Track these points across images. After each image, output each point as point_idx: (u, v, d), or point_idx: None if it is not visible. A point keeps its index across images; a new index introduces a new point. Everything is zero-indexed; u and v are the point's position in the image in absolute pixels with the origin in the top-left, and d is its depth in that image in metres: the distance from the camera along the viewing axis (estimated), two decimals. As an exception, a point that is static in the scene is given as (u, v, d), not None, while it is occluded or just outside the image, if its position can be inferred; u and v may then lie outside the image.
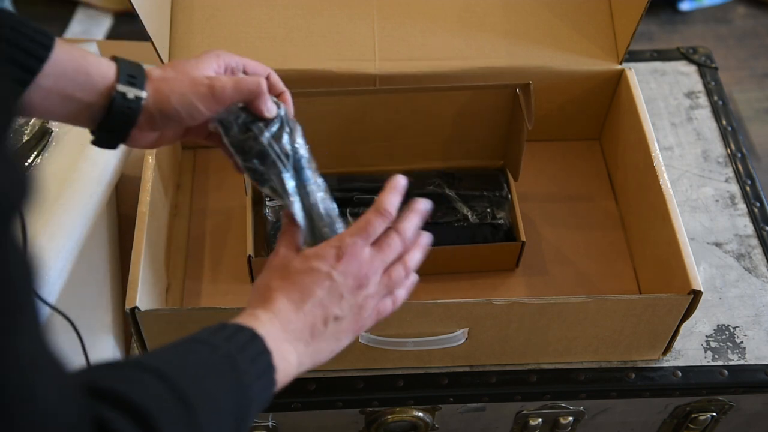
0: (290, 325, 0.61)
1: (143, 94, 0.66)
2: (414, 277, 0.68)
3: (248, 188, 0.95)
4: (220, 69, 0.69)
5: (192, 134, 0.72)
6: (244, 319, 0.61)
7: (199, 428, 0.50)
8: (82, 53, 0.65)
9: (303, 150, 0.70)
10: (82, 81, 0.64)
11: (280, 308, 0.62)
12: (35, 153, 0.90)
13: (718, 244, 1.00)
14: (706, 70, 1.18)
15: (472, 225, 0.96)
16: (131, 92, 0.65)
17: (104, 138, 0.67)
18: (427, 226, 0.95)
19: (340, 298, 0.63)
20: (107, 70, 0.65)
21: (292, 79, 0.76)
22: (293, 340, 0.61)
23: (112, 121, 0.65)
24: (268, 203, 0.95)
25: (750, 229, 1.01)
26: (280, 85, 0.73)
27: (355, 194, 0.96)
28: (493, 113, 0.97)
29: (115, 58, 0.67)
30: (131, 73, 0.66)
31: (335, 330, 0.63)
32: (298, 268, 0.63)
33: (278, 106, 0.69)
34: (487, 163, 1.02)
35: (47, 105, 0.63)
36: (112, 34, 2.28)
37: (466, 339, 0.84)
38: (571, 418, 0.92)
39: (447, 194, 0.97)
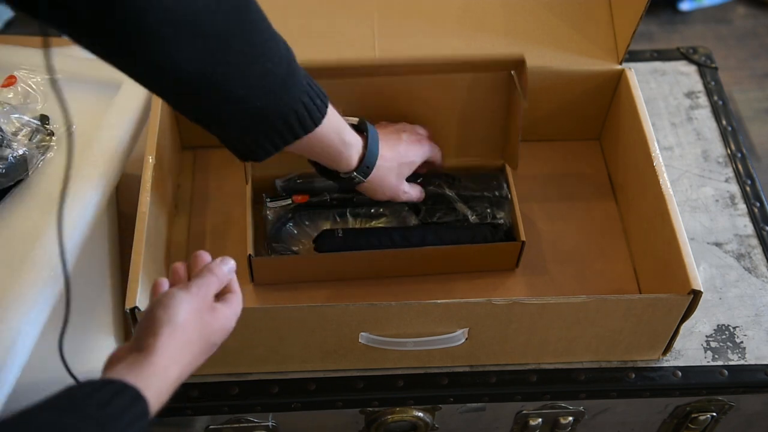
0: (179, 380, 0.62)
1: (364, 180, 0.85)
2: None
3: (248, 176, 0.95)
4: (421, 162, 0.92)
5: None
6: (137, 372, 0.58)
7: None
8: (343, 130, 0.80)
9: None
10: (327, 161, 0.81)
11: (182, 369, 0.62)
12: (36, 153, 0.90)
13: (718, 244, 1.00)
14: (706, 70, 1.18)
15: (472, 225, 0.95)
16: (358, 179, 0.84)
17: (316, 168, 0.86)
18: (428, 226, 0.96)
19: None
20: (354, 156, 0.82)
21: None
22: (172, 389, 0.61)
23: (331, 176, 0.85)
24: (268, 204, 0.95)
25: (750, 229, 1.01)
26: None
27: (354, 195, 0.96)
28: (490, 101, 0.97)
29: (365, 146, 0.83)
30: (369, 165, 0.84)
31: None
32: (216, 337, 0.66)
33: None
34: (487, 160, 1.02)
35: (298, 152, 0.78)
36: (112, 34, 2.28)
37: (466, 339, 0.84)
38: (571, 418, 0.92)
39: (447, 195, 0.97)
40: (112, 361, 0.60)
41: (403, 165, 0.89)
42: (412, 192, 0.92)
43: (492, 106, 0.98)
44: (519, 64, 0.93)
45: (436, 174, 0.99)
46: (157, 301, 0.64)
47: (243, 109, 0.69)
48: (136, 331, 0.63)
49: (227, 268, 0.70)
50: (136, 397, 0.55)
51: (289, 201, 0.96)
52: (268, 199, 0.96)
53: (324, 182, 0.94)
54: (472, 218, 0.96)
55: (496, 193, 0.98)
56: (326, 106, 0.75)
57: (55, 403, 0.52)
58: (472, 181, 0.99)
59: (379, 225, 0.97)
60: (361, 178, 0.84)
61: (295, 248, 0.95)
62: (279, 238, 0.95)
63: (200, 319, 0.64)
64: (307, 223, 0.96)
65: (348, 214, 0.97)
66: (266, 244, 0.94)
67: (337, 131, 0.79)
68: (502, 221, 0.96)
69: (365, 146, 0.83)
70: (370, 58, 0.97)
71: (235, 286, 0.71)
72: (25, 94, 0.95)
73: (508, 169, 0.99)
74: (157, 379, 0.59)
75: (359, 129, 0.85)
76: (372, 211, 0.98)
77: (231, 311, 0.68)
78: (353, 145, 0.81)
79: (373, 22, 1.01)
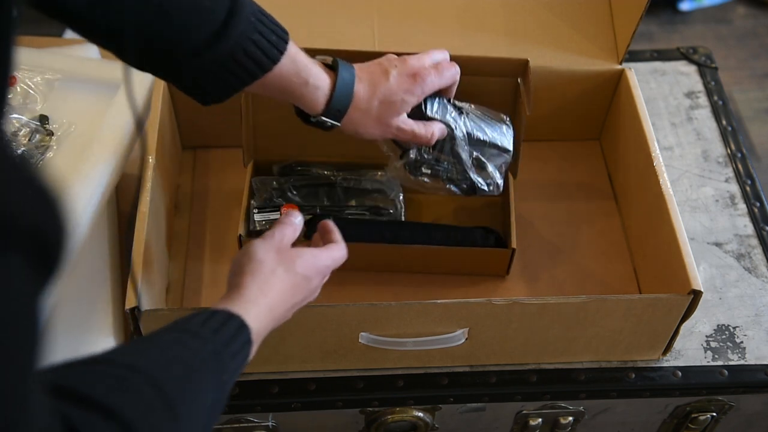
0: (274, 313, 0.67)
1: (338, 125, 0.78)
2: None
3: (246, 160, 0.96)
4: (415, 104, 0.81)
5: None
6: (235, 303, 0.64)
7: (179, 425, 0.51)
8: (305, 70, 0.75)
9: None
10: (296, 98, 0.76)
11: (272, 300, 0.67)
12: (36, 154, 0.90)
13: (718, 244, 1.00)
14: (706, 70, 1.18)
15: (464, 228, 0.95)
16: (329, 122, 0.78)
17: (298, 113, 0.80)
18: (419, 225, 0.96)
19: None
20: (320, 98, 0.76)
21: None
22: (270, 321, 0.67)
23: (307, 122, 0.80)
24: (255, 216, 0.95)
25: (750, 229, 1.01)
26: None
27: (345, 207, 0.97)
28: (494, 104, 0.97)
29: (334, 85, 0.76)
30: (339, 107, 0.77)
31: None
32: (301, 269, 0.70)
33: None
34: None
35: (263, 93, 0.76)
36: (112, 34, 2.28)
37: (466, 339, 0.84)
38: (571, 418, 0.92)
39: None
40: (219, 301, 0.66)
41: (387, 105, 0.79)
42: (416, 128, 0.81)
43: (496, 109, 0.98)
44: (523, 67, 0.92)
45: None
46: (240, 251, 0.70)
47: (188, 52, 0.68)
48: (227, 281, 0.69)
49: (297, 219, 0.74)
50: (240, 325, 0.61)
51: (277, 215, 0.96)
52: (255, 210, 0.95)
53: (321, 167, 0.94)
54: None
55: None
56: (285, 43, 0.72)
57: (177, 326, 0.59)
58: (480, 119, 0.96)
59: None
60: (333, 122, 0.78)
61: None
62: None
63: (278, 254, 0.69)
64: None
65: (346, 213, 0.97)
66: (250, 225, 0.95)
67: (298, 72, 0.74)
68: (492, 231, 0.95)
69: (333, 88, 0.76)
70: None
71: (337, 236, 0.76)
72: (25, 95, 0.95)
73: (509, 174, 0.99)
74: (253, 307, 0.64)
75: (332, 68, 0.78)
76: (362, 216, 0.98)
77: (323, 252, 0.73)
78: (319, 87, 0.76)
79: (373, 22, 1.01)
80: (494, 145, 0.88)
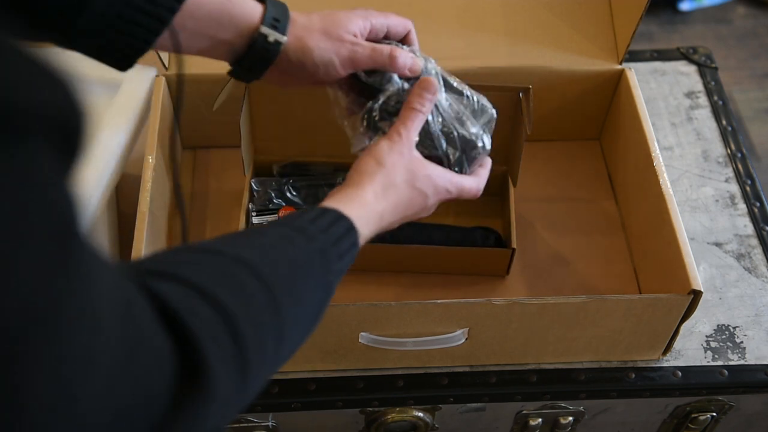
0: (382, 222, 0.66)
1: (284, 39, 0.69)
2: None
3: (247, 170, 0.96)
4: (365, 30, 0.72)
5: (320, 83, 0.75)
6: (348, 203, 0.63)
7: (280, 321, 0.49)
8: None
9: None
10: (225, 22, 0.67)
11: (385, 208, 0.66)
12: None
13: (718, 244, 1.00)
14: (706, 70, 1.18)
15: (464, 228, 0.95)
16: (273, 36, 0.68)
17: (240, 73, 0.71)
18: (418, 225, 0.95)
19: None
20: (252, 11, 0.68)
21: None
22: (376, 228, 0.66)
23: (250, 60, 0.69)
24: (254, 220, 0.95)
25: (750, 229, 1.01)
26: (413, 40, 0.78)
27: None
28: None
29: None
30: (276, 17, 0.69)
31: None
32: (421, 184, 0.68)
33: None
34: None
35: (192, 44, 0.68)
36: (112, 34, 2.28)
37: (466, 339, 0.84)
38: (571, 418, 0.92)
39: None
40: (331, 193, 0.65)
41: (330, 17, 0.71)
42: (377, 45, 0.72)
43: (497, 120, 0.97)
44: (525, 92, 0.92)
45: None
46: (366, 150, 0.68)
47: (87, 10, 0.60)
48: (350, 172, 0.67)
49: (429, 94, 0.71)
50: (350, 227, 0.60)
51: (275, 218, 0.96)
52: (254, 213, 0.96)
53: (321, 167, 0.94)
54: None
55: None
56: None
57: (286, 222, 0.58)
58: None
59: None
60: (277, 35, 0.68)
61: None
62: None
63: (404, 163, 0.67)
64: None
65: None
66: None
67: None
68: (492, 231, 0.95)
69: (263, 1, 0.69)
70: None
71: (483, 171, 0.75)
72: (25, 94, 0.95)
73: (509, 180, 0.99)
74: (365, 211, 0.63)
75: None
76: None
77: (454, 176, 0.71)
78: (248, 1, 0.68)
79: (373, 22, 1.01)
80: (474, 101, 0.77)
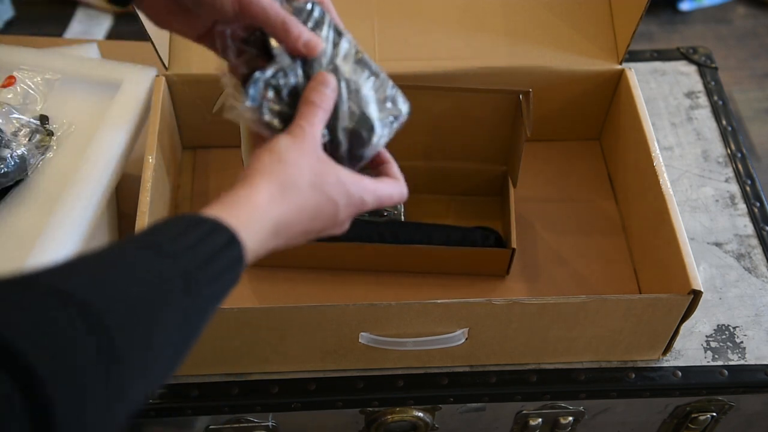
0: (279, 231, 0.53)
1: None
2: None
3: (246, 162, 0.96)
4: None
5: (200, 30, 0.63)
6: (233, 207, 0.50)
7: (118, 374, 0.38)
8: None
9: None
10: None
11: (283, 214, 0.53)
12: (35, 153, 0.90)
13: (718, 244, 1.00)
14: (706, 70, 1.18)
15: (464, 228, 0.95)
16: None
17: None
18: (418, 225, 0.96)
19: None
20: None
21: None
22: (272, 239, 0.53)
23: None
24: None
25: (750, 229, 1.01)
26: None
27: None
28: (495, 116, 0.97)
29: None
30: None
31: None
32: (331, 190, 0.56)
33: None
34: (490, 167, 1.02)
35: None
36: (112, 34, 2.28)
37: (466, 339, 0.84)
38: (571, 418, 0.92)
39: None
40: (218, 198, 0.52)
41: None
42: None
43: (496, 120, 0.98)
44: (525, 95, 0.92)
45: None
46: (265, 146, 0.55)
47: None
48: (240, 175, 0.54)
49: (329, 89, 0.59)
50: (229, 240, 0.48)
51: None
52: None
53: None
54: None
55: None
56: None
57: (144, 237, 0.46)
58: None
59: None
60: None
61: None
62: None
63: (308, 161, 0.55)
64: None
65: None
66: None
67: None
68: (492, 231, 0.95)
69: None
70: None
71: (397, 173, 0.62)
72: (25, 95, 0.95)
73: (509, 180, 0.99)
74: (256, 216, 0.51)
75: None
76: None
77: (370, 183, 0.59)
78: None
79: (373, 22, 1.01)
80: (388, 87, 0.67)
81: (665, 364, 0.89)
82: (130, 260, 0.44)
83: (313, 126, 0.57)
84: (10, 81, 0.96)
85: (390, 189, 0.61)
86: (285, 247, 0.55)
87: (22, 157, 0.87)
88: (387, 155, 0.64)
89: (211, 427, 0.90)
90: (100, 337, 0.38)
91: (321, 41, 0.61)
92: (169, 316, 0.43)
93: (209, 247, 0.47)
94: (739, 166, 1.07)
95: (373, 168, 0.63)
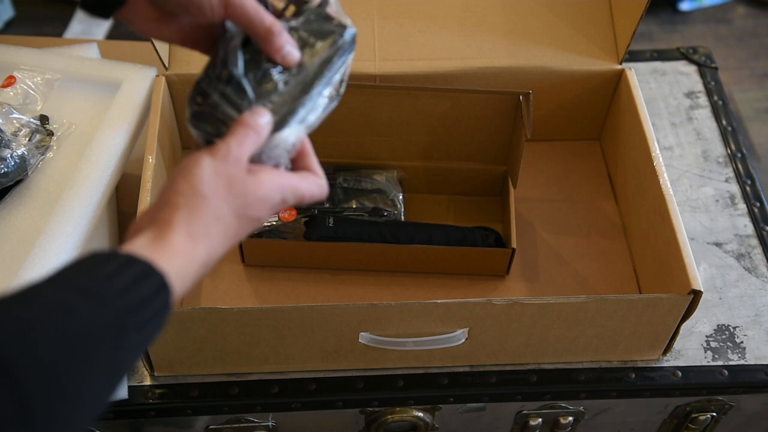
0: (206, 266, 0.51)
1: None
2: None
3: None
4: None
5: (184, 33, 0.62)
6: (158, 250, 0.48)
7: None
8: None
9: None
10: None
11: (208, 251, 0.51)
12: (35, 153, 0.90)
13: (718, 244, 1.00)
14: (706, 70, 1.18)
15: (464, 228, 0.96)
16: None
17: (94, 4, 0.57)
18: (418, 225, 0.96)
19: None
20: None
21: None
22: (198, 277, 0.51)
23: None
24: None
25: (750, 229, 1.01)
26: None
27: (343, 208, 0.97)
28: (495, 117, 0.97)
29: None
30: None
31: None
32: (254, 212, 0.54)
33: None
34: (490, 167, 1.02)
35: None
36: (112, 34, 2.28)
37: (466, 339, 0.84)
38: (571, 418, 0.92)
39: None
40: (132, 231, 0.51)
41: None
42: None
43: (496, 121, 0.98)
44: (525, 96, 0.92)
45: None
46: (180, 166, 0.52)
47: None
48: (157, 198, 0.51)
49: (263, 120, 0.55)
50: (160, 286, 0.46)
51: (275, 218, 0.95)
52: None
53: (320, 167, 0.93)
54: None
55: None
56: None
57: (71, 279, 0.43)
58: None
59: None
60: None
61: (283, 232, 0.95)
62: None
63: (231, 188, 0.52)
64: None
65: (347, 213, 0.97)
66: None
67: None
68: (492, 231, 0.95)
69: None
70: (371, 71, 0.97)
71: (318, 169, 0.59)
72: (25, 95, 0.95)
73: (509, 180, 0.99)
74: (181, 262, 0.48)
75: None
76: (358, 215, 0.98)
77: (293, 179, 0.56)
78: None
79: (373, 22, 1.01)
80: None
81: (665, 364, 0.89)
82: (61, 306, 0.41)
83: (242, 148, 0.54)
84: (10, 81, 0.96)
85: (311, 187, 0.58)
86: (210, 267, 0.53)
87: (22, 157, 0.87)
88: (307, 147, 0.60)
89: (211, 427, 0.90)
90: (16, 398, 0.36)
91: (297, 54, 0.59)
92: (94, 368, 0.41)
93: (141, 293, 0.44)
94: (739, 166, 1.07)
95: (293, 161, 0.60)
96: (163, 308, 0.46)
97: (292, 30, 0.60)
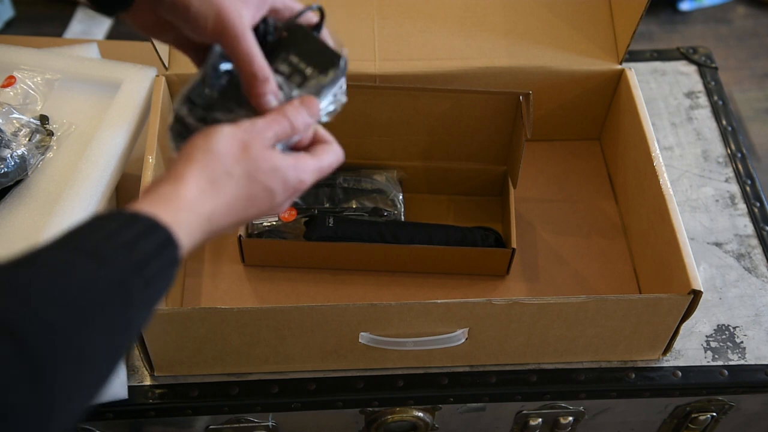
0: (212, 225, 0.51)
1: None
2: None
3: None
4: (254, 19, 0.59)
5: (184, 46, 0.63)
6: (166, 204, 0.48)
7: (46, 396, 0.37)
8: None
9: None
10: None
11: (215, 208, 0.51)
12: (35, 153, 0.90)
13: (718, 244, 1.00)
14: (706, 70, 1.18)
15: (464, 228, 0.96)
16: None
17: (101, 1, 0.58)
18: (418, 225, 0.96)
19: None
20: None
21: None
22: (204, 235, 0.51)
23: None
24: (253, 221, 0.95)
25: (750, 229, 1.01)
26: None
27: (343, 208, 0.97)
28: (495, 117, 0.97)
29: None
30: None
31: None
32: (266, 178, 0.54)
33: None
34: (490, 167, 1.02)
35: None
36: (112, 34, 2.28)
37: (466, 339, 0.84)
38: (571, 418, 0.92)
39: None
40: (143, 192, 0.51)
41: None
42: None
43: (496, 121, 0.98)
44: (525, 96, 0.92)
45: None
46: (201, 131, 0.53)
47: None
48: (168, 162, 0.53)
49: (301, 116, 0.57)
50: (166, 240, 0.46)
51: (275, 217, 0.96)
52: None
53: None
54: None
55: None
56: None
57: (74, 239, 0.44)
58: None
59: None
60: None
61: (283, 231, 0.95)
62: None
63: (246, 152, 0.53)
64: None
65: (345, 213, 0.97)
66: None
67: None
68: (492, 231, 0.95)
69: None
70: (371, 71, 0.97)
71: (326, 135, 0.59)
72: (25, 95, 0.95)
73: (509, 180, 0.99)
74: (188, 214, 0.49)
75: None
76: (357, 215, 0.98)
77: (300, 161, 0.56)
78: None
79: (373, 22, 1.01)
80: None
81: (665, 364, 0.89)
82: (65, 266, 0.41)
83: (269, 127, 0.55)
84: (10, 81, 0.96)
85: (326, 157, 0.59)
86: (216, 236, 0.53)
87: (22, 157, 0.87)
88: (324, 134, 0.62)
89: (211, 427, 0.90)
90: (24, 358, 0.36)
91: (274, 104, 0.59)
92: (101, 327, 0.41)
93: (145, 248, 0.44)
94: (739, 166, 1.07)
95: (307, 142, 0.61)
96: (170, 263, 0.46)
97: (282, 62, 0.61)
